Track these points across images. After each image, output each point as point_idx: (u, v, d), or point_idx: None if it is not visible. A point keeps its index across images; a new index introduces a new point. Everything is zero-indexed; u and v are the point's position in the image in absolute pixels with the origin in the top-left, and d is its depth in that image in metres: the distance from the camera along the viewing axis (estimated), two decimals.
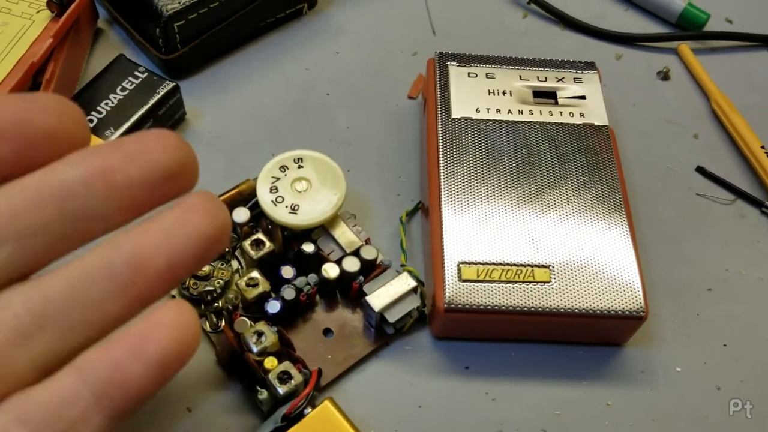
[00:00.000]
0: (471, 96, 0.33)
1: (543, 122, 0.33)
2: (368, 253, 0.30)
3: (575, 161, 0.31)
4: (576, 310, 0.28)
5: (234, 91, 0.37)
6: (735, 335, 0.31)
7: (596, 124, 0.33)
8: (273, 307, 0.28)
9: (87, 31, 0.37)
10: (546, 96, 0.34)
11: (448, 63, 0.34)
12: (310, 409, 0.26)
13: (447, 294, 0.28)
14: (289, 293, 0.29)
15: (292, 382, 0.26)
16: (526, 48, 0.41)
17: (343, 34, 0.40)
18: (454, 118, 0.32)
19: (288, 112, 0.37)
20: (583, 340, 0.30)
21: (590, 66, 0.35)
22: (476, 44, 0.40)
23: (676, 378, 0.30)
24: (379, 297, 0.29)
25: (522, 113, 0.33)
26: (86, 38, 0.37)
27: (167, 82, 0.34)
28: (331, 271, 0.29)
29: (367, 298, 0.29)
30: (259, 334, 0.27)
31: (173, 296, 0.29)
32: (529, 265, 0.28)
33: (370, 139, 0.36)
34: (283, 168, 0.30)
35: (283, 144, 0.32)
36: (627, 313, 0.28)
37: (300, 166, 0.30)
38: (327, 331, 0.30)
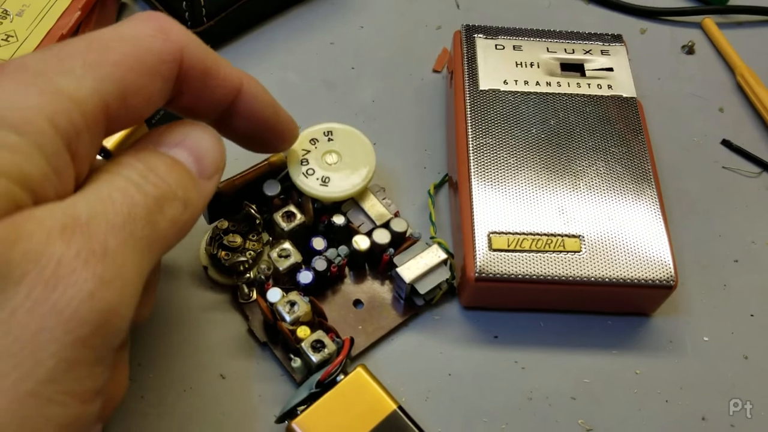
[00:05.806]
0: (498, 68, 0.33)
1: (571, 94, 0.33)
2: (398, 225, 0.30)
3: (604, 133, 0.31)
4: (607, 280, 0.28)
5: (259, 65, 0.37)
6: (762, 305, 0.31)
7: (624, 95, 0.33)
8: (305, 277, 0.28)
9: (112, 4, 0.37)
10: (573, 68, 0.34)
11: (475, 35, 0.34)
12: (342, 377, 0.27)
13: (478, 263, 0.28)
14: (320, 264, 0.29)
15: (326, 350, 0.27)
16: (549, 23, 0.40)
17: (367, 8, 0.40)
18: (482, 90, 0.32)
19: (313, 87, 0.37)
20: (611, 309, 0.30)
21: (617, 38, 0.35)
22: (499, 19, 0.40)
23: (704, 347, 0.30)
24: (409, 269, 0.29)
25: (550, 85, 0.33)
26: (111, 12, 0.37)
27: None
28: (361, 243, 0.29)
29: (398, 269, 0.29)
30: (292, 303, 0.27)
31: (205, 267, 0.30)
32: (559, 235, 0.29)
33: (396, 113, 0.36)
34: (314, 141, 0.30)
35: (309, 118, 0.32)
36: (657, 282, 0.28)
37: (330, 139, 0.30)
38: (357, 303, 0.30)
